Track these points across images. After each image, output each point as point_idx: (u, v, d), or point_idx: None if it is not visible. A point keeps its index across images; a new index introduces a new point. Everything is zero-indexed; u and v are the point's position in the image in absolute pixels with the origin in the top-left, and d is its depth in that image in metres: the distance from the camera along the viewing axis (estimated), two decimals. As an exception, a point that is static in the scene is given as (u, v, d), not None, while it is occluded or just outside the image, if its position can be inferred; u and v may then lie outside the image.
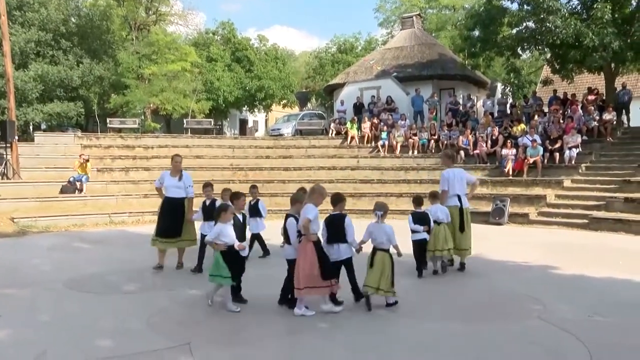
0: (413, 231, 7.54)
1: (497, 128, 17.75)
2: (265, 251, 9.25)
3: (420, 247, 7.58)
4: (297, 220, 5.89)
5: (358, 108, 23.16)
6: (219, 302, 6.11)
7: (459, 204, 8.01)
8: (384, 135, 20.15)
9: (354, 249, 5.95)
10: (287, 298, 6.02)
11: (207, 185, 8.42)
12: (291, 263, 5.92)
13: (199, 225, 8.21)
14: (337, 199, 6.03)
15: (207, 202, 8.15)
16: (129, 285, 7.23)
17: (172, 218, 7.96)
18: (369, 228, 6.16)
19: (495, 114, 20.16)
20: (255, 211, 9.17)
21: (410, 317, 5.76)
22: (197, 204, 8.45)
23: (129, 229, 13.13)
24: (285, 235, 6.03)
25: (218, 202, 7.92)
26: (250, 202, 9.10)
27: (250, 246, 8.88)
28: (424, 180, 16.65)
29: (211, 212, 7.60)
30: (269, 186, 17.86)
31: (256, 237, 9.22)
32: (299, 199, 6.08)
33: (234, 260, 5.94)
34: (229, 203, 6.77)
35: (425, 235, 7.55)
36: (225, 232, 5.94)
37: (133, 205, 15.45)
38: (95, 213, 14.45)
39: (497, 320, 5.64)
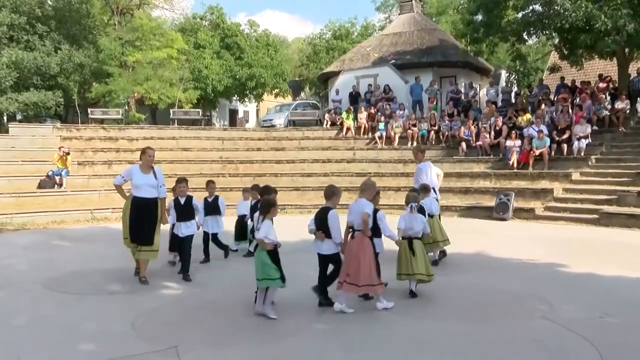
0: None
1: (501, 118, 17.79)
2: (207, 257, 8.62)
3: None
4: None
5: (354, 97, 23.16)
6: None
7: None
8: (381, 126, 20.19)
9: (339, 246, 6.00)
10: (327, 295, 6.04)
11: (182, 181, 7.85)
12: (329, 259, 6.00)
13: (166, 227, 7.72)
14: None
15: (182, 200, 7.76)
16: (113, 286, 7.20)
17: (146, 222, 7.02)
18: (405, 218, 6.46)
19: (499, 103, 20.21)
20: (213, 209, 8.78)
21: (410, 316, 5.78)
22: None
23: (113, 226, 13.06)
24: (322, 230, 5.93)
25: (195, 200, 7.86)
26: (206, 199, 8.81)
27: (206, 249, 8.67)
28: (423, 173, 16.59)
29: (187, 211, 7.54)
30: (261, 180, 17.74)
31: (214, 237, 8.87)
32: (335, 192, 6.12)
33: (279, 260, 5.77)
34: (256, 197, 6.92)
35: None
36: (273, 230, 5.78)
37: (116, 201, 15.15)
38: (76, 209, 14.39)
39: (500, 320, 5.67)
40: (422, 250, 6.47)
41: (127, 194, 7.38)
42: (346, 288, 5.81)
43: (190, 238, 7.62)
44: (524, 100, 19.52)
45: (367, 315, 5.82)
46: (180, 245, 7.69)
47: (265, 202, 6.02)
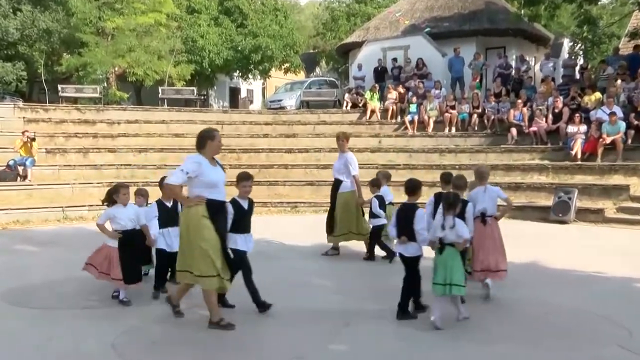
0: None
1: (561, 98, 17.56)
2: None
3: None
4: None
5: (380, 74, 23.05)
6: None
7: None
8: (412, 108, 20.10)
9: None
10: (421, 304, 6.48)
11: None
12: (415, 261, 6.40)
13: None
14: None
15: (168, 203, 7.37)
16: (89, 299, 7.21)
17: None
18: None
19: (560, 80, 19.92)
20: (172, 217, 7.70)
21: (447, 338, 5.72)
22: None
23: (89, 227, 13.05)
24: (406, 231, 6.33)
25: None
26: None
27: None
28: (463, 165, 16.49)
29: (173, 215, 7.20)
30: (268, 172, 17.85)
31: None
32: (419, 186, 6.72)
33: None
34: None
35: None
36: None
37: (94, 197, 15.38)
38: (45, 206, 14.48)
39: (561, 346, 5.58)
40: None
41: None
42: (480, 276, 7.01)
43: None
44: (592, 76, 19.22)
45: (394, 335, 5.80)
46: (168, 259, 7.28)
47: (452, 197, 6.37)
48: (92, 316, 6.54)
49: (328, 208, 10.01)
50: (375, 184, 9.71)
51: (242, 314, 6.38)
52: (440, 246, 6.13)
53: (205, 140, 6.09)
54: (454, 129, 19.13)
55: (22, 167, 15.96)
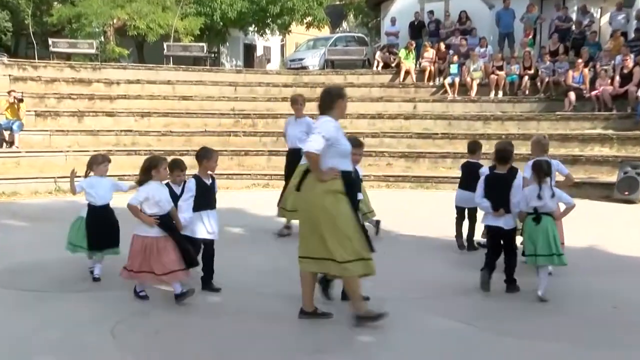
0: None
1: (631, 56, 17.24)
2: None
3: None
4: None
5: (416, 29, 22.95)
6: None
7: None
8: (453, 69, 20.01)
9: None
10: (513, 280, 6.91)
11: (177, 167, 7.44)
12: (514, 234, 6.95)
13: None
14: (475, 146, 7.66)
15: (207, 180, 7.04)
16: (85, 281, 7.26)
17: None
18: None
19: (631, 35, 19.50)
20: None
21: (493, 332, 5.70)
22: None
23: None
24: (500, 201, 6.81)
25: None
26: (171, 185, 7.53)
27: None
28: (511, 135, 16.38)
29: (213, 195, 7.04)
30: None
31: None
32: (512, 154, 7.08)
33: None
34: None
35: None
36: None
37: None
38: (34, 176, 14.58)
39: (627, 345, 5.53)
40: None
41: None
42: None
43: None
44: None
45: (426, 328, 5.80)
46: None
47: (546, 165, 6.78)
48: (89, 301, 6.61)
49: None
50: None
51: (253, 310, 6.42)
52: (536, 216, 6.54)
53: (335, 100, 5.90)
54: (501, 93, 18.95)
55: (9, 132, 16.07)
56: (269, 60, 41.36)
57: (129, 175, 14.86)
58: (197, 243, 6.79)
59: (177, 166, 7.28)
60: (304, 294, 5.93)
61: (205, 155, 6.80)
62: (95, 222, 7.20)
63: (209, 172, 6.84)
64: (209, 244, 6.86)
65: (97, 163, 7.36)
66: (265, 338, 5.57)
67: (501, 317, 6.18)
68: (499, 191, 6.83)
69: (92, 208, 7.29)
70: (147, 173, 6.43)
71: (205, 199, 6.77)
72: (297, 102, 10.10)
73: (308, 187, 5.76)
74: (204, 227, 6.75)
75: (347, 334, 5.64)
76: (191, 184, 6.72)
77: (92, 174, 7.42)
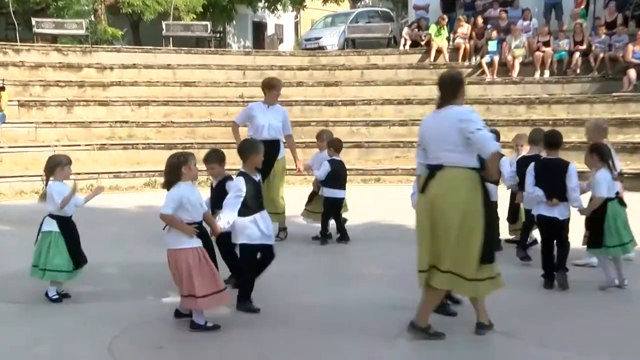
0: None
1: None
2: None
3: None
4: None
5: (449, 2, 22.99)
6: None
7: None
8: (492, 46, 19.96)
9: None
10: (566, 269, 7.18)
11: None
12: (568, 224, 7.20)
13: None
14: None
15: (255, 177, 6.86)
16: (79, 290, 7.25)
17: None
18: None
19: None
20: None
21: (530, 344, 5.62)
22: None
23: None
24: (555, 191, 7.01)
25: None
26: (212, 184, 7.72)
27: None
28: (559, 120, 16.30)
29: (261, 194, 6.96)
30: (303, 131, 17.68)
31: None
32: (561, 139, 7.41)
33: None
34: None
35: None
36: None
37: (82, 162, 15.58)
38: (18, 175, 14.61)
39: None
40: None
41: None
42: None
43: None
44: None
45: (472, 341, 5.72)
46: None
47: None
48: (82, 312, 6.60)
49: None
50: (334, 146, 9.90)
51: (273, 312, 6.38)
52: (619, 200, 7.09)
53: (460, 87, 5.90)
54: (547, 72, 18.88)
55: (-10, 125, 16.12)
56: (281, 40, 41.44)
57: (125, 172, 15.03)
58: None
59: (217, 159, 7.17)
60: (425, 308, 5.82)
61: (251, 149, 6.64)
62: (74, 237, 6.98)
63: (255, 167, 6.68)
64: (266, 250, 6.60)
65: (62, 165, 7.00)
66: (278, 353, 5.57)
67: (552, 328, 6.10)
68: (552, 178, 6.99)
69: (65, 220, 6.97)
70: (175, 172, 5.95)
71: (257, 199, 6.58)
72: (277, 87, 9.91)
73: (447, 185, 5.57)
74: (259, 231, 6.49)
75: (375, 347, 5.58)
76: (239, 183, 6.40)
77: (52, 179, 7.05)
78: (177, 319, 6.19)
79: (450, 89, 5.77)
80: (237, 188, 6.38)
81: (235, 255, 6.87)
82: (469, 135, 5.36)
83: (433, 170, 5.60)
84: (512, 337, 5.82)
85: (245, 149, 6.65)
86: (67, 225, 6.94)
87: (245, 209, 6.36)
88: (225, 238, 6.60)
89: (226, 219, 6.26)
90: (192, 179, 6.13)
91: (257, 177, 6.67)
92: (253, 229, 6.44)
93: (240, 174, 6.53)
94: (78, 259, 6.92)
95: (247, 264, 6.56)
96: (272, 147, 9.01)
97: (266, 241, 6.54)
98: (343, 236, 9.70)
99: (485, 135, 5.42)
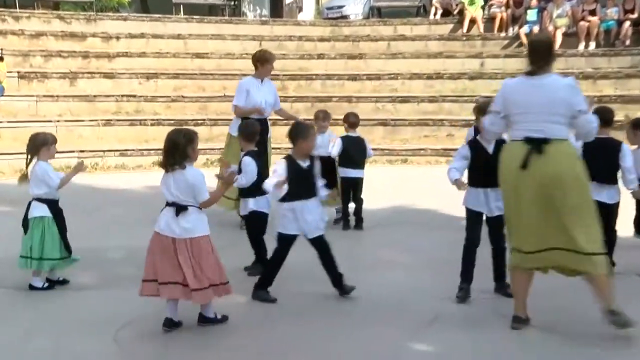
0: None
1: None
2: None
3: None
4: None
5: (485, -34, 22.73)
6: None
7: None
8: (531, 15, 19.90)
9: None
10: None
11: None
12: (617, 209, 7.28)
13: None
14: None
15: (303, 163, 6.74)
16: (81, 277, 7.27)
17: None
18: None
19: None
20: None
21: (575, 343, 5.58)
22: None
23: (79, 180, 13.27)
24: (603, 173, 6.96)
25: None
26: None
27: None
28: (606, 97, 16.09)
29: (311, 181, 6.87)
30: (325, 107, 17.61)
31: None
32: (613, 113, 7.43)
33: None
34: None
35: None
36: None
37: (85, 138, 15.66)
38: (18, 152, 14.53)
39: None
40: None
41: None
42: None
43: None
44: None
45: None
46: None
47: None
48: (85, 300, 6.62)
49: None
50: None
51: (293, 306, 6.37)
52: None
53: (554, 52, 6.25)
54: (593, 44, 18.80)
55: (-14, 98, 16.19)
56: (300, 9, 41.21)
57: (132, 150, 15.05)
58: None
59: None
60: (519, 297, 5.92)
61: (299, 134, 6.56)
62: (63, 221, 7.00)
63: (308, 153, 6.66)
64: (313, 242, 6.62)
65: (49, 144, 6.99)
66: (302, 348, 5.58)
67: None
68: (600, 158, 6.81)
69: (54, 204, 6.99)
70: (183, 152, 5.72)
71: (298, 187, 6.50)
72: (271, 60, 9.76)
73: (566, 162, 5.62)
74: (295, 220, 6.50)
75: (400, 341, 5.56)
76: (280, 167, 6.49)
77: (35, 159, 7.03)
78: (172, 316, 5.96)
79: (548, 54, 5.86)
80: (277, 172, 6.52)
81: (261, 243, 7.20)
82: (577, 112, 5.52)
83: (537, 143, 5.56)
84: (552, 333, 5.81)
85: (294, 134, 6.59)
86: (58, 209, 6.96)
87: (285, 195, 6.42)
88: (254, 224, 6.92)
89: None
90: (194, 161, 5.93)
91: (305, 163, 6.60)
92: (289, 218, 6.50)
93: (286, 157, 6.61)
94: (68, 244, 6.95)
95: (277, 254, 6.58)
96: (263, 126, 8.93)
97: (307, 232, 6.55)
98: (357, 222, 9.60)
99: (593, 120, 5.77)
